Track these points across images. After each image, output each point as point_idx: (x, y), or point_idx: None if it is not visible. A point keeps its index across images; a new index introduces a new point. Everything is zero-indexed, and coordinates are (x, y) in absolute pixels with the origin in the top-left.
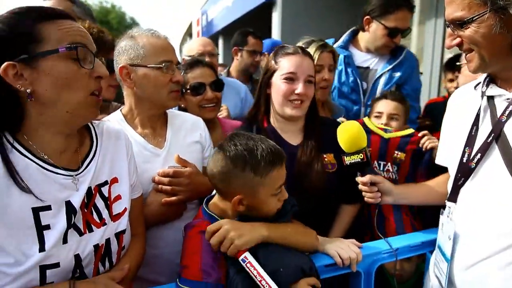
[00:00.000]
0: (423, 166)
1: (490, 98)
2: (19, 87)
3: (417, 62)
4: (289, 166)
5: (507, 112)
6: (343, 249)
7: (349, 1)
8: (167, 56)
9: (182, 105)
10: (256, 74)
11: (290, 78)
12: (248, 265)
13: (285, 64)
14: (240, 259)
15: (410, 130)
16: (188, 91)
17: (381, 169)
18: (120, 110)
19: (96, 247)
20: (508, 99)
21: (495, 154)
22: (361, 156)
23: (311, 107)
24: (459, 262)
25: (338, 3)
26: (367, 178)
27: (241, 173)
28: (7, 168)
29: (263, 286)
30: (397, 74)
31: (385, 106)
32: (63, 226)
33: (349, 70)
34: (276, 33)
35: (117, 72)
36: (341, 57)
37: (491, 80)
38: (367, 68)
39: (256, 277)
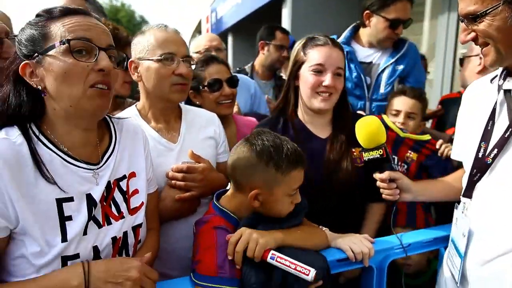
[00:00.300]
0: (439, 173)
1: (507, 92)
2: (33, 84)
3: (419, 54)
4: (317, 160)
5: None
6: (355, 244)
7: None
8: (169, 48)
9: (198, 102)
10: (281, 70)
11: (318, 70)
12: (278, 259)
13: (313, 56)
14: (268, 258)
15: (427, 137)
16: (205, 88)
17: (395, 162)
18: (136, 106)
19: (114, 239)
20: None
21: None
22: (380, 152)
23: (340, 100)
24: (474, 258)
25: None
26: (386, 174)
27: (264, 167)
28: (34, 160)
29: (299, 271)
30: (400, 67)
31: (403, 104)
32: (85, 218)
33: (352, 66)
34: None
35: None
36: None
37: (508, 73)
38: (370, 63)
39: (290, 267)
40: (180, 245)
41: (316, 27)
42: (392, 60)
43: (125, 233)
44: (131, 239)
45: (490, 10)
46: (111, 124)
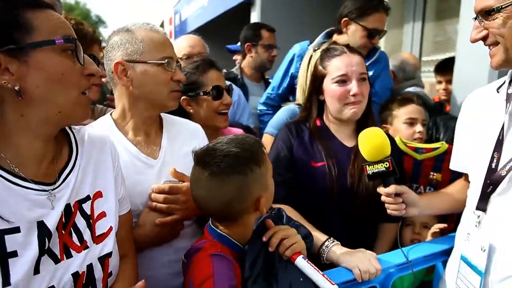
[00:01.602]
0: None
1: None
2: (4, 83)
3: (388, 62)
4: (343, 168)
5: None
6: (363, 263)
7: (329, 2)
8: (168, 52)
9: (191, 111)
10: (269, 73)
11: (342, 81)
12: (309, 262)
13: (334, 67)
14: (300, 257)
15: (443, 147)
16: (207, 95)
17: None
18: (110, 114)
19: (76, 275)
20: None
21: None
22: (386, 165)
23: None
24: (494, 275)
25: (317, 4)
26: (392, 188)
27: (251, 174)
28: None
29: (326, 279)
30: (370, 73)
31: (418, 112)
32: (35, 253)
33: None
34: None
35: (109, 69)
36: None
37: None
38: None
39: (319, 272)
40: (164, 271)
41: (286, 30)
42: None
43: (90, 266)
44: (98, 273)
45: (506, 4)
46: (71, 134)
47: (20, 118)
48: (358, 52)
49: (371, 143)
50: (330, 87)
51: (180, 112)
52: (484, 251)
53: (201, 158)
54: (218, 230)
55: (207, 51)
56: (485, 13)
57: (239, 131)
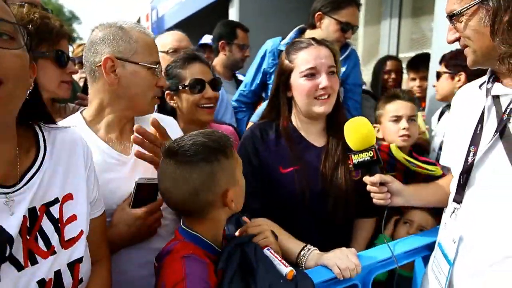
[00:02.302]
0: None
1: (496, 97)
2: None
3: (358, 59)
4: (314, 170)
5: (508, 110)
6: (341, 260)
7: None
8: (156, 57)
9: (174, 105)
10: (241, 71)
11: (311, 74)
12: (272, 252)
13: (301, 61)
14: (265, 249)
15: (438, 171)
16: (186, 88)
17: None
18: (81, 112)
19: (42, 282)
20: None
21: (498, 148)
22: (370, 154)
23: (334, 104)
24: (464, 267)
25: (295, 0)
26: (376, 177)
27: (217, 163)
28: None
29: (282, 264)
30: (342, 69)
31: (403, 108)
32: None
33: None
34: None
35: (92, 61)
36: None
37: (496, 78)
38: None
39: (277, 258)
40: (141, 273)
41: (264, 27)
42: None
43: (58, 273)
44: (67, 280)
45: (465, 9)
46: (39, 134)
47: None
48: (326, 44)
49: (357, 132)
50: (298, 82)
51: (165, 108)
52: (454, 243)
53: (168, 149)
54: (189, 230)
55: (193, 48)
56: (452, 17)
57: (228, 128)
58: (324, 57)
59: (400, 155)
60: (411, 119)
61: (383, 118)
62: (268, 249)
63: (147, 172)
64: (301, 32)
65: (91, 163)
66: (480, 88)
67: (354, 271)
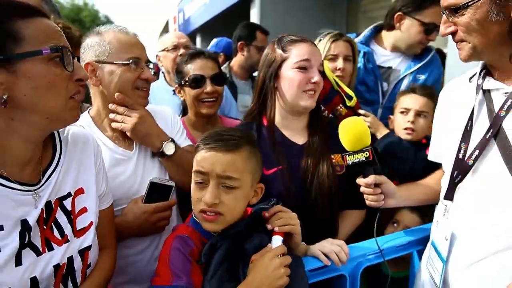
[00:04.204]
0: None
1: (486, 92)
2: None
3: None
4: (295, 168)
5: (505, 107)
6: (325, 246)
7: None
8: (134, 53)
9: (182, 98)
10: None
11: (304, 67)
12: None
13: (297, 52)
14: (279, 237)
15: (353, 102)
16: (187, 83)
17: None
18: (88, 112)
19: (57, 267)
20: (506, 93)
21: (494, 151)
22: (366, 154)
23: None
24: (456, 263)
25: (315, 1)
26: (371, 178)
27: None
28: None
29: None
30: (422, 77)
31: (413, 102)
32: (15, 246)
33: (369, 67)
34: None
35: None
36: (361, 53)
37: (488, 72)
38: (389, 68)
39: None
40: (143, 256)
41: (284, 26)
42: (414, 68)
43: (70, 259)
44: (78, 264)
45: (472, 2)
46: (55, 134)
47: (10, 123)
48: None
49: (351, 132)
50: (289, 72)
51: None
52: (447, 240)
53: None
54: (193, 216)
55: (192, 46)
56: (452, 10)
57: (237, 122)
58: (317, 54)
59: (330, 74)
60: (420, 114)
61: (396, 110)
62: (281, 240)
63: (150, 163)
64: (377, 30)
65: (100, 160)
66: (470, 81)
67: (341, 253)
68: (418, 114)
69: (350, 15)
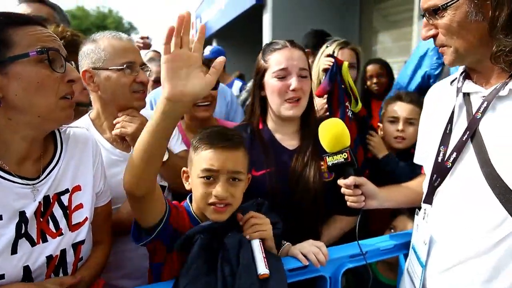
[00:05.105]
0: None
1: (466, 95)
2: None
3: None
4: (284, 172)
5: (481, 109)
6: (305, 247)
7: (339, 3)
8: (128, 57)
9: None
10: None
11: (282, 76)
12: (261, 247)
13: (274, 61)
14: (257, 240)
15: (358, 108)
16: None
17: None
18: (89, 115)
19: (49, 258)
20: (483, 96)
21: (470, 154)
22: (344, 155)
23: (307, 106)
24: (434, 267)
25: (327, 5)
26: (350, 180)
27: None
28: None
29: (264, 262)
30: None
31: (400, 110)
32: (11, 236)
33: None
34: (267, 35)
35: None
36: None
37: (467, 75)
38: None
39: (261, 254)
40: (139, 252)
41: (296, 31)
42: None
43: (63, 251)
44: (70, 257)
45: (451, 3)
46: (57, 133)
47: (8, 122)
48: (300, 47)
49: (330, 133)
50: (270, 82)
51: None
52: (425, 244)
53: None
54: (187, 201)
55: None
56: (432, 12)
57: (232, 124)
58: (296, 59)
59: (347, 76)
60: (409, 121)
61: (384, 118)
62: (258, 241)
63: None
64: None
65: (99, 160)
66: (451, 84)
67: (320, 254)
68: (406, 121)
69: (364, 16)
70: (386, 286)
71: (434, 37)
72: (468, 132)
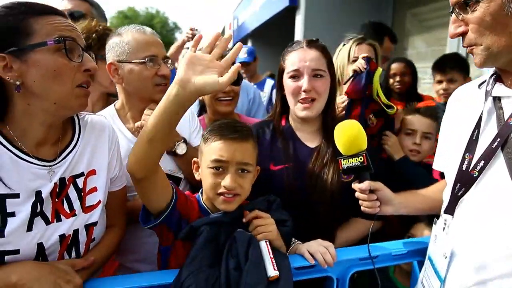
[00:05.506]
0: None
1: (497, 99)
2: (8, 78)
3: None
4: (302, 169)
5: None
6: (312, 246)
7: (373, 5)
8: (151, 51)
9: (200, 98)
10: None
11: (294, 76)
12: (269, 247)
13: (289, 62)
14: (264, 241)
15: (393, 111)
16: None
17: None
18: (114, 105)
19: (62, 237)
20: None
21: (500, 163)
22: (361, 159)
23: (327, 106)
24: (454, 283)
25: (360, 5)
26: (366, 184)
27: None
28: None
29: (272, 264)
30: None
31: (419, 124)
32: (27, 214)
33: None
34: (299, 36)
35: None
36: None
37: (498, 78)
38: None
39: (269, 255)
40: (153, 239)
41: (328, 32)
42: None
43: (76, 231)
44: (82, 237)
45: None
46: (76, 120)
47: (27, 107)
48: (318, 47)
49: (345, 135)
50: (286, 82)
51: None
52: (446, 258)
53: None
54: (199, 193)
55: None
56: (463, 5)
57: (254, 120)
58: (309, 60)
59: (377, 83)
60: (426, 136)
61: (402, 130)
62: (266, 242)
63: (164, 156)
64: None
65: (115, 147)
66: (479, 88)
67: (327, 254)
68: (423, 135)
69: (397, 17)
70: None
71: (463, 35)
72: (498, 140)
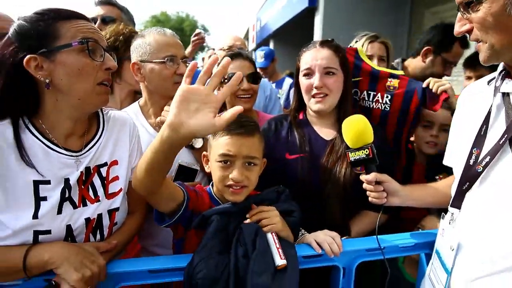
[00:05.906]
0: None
1: (506, 95)
2: (39, 77)
3: None
4: (316, 161)
5: None
6: (319, 236)
7: (390, 5)
8: (170, 51)
9: None
10: None
11: (307, 74)
12: (275, 238)
13: (303, 61)
14: (271, 233)
15: (400, 72)
16: (226, 81)
17: (370, 99)
18: (138, 102)
19: (88, 220)
20: None
21: (508, 159)
22: (366, 151)
23: (342, 101)
24: (460, 275)
25: (378, 7)
26: (372, 176)
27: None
28: (17, 144)
29: (279, 254)
30: None
31: (437, 115)
32: (57, 199)
33: None
34: (317, 37)
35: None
36: None
37: (507, 74)
38: None
39: (276, 245)
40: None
41: (347, 33)
42: None
43: (100, 215)
44: (106, 221)
45: None
46: (100, 115)
47: (56, 103)
48: (332, 46)
49: (353, 128)
50: (301, 80)
51: None
52: (452, 250)
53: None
54: (210, 185)
55: (246, 48)
56: (466, 5)
57: (270, 116)
58: (320, 59)
59: (364, 57)
60: (444, 128)
61: (420, 123)
62: (272, 234)
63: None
64: (402, 62)
65: (135, 139)
66: (488, 84)
67: (334, 244)
68: (441, 127)
69: (415, 16)
70: (412, 285)
71: (469, 32)
72: (506, 135)
